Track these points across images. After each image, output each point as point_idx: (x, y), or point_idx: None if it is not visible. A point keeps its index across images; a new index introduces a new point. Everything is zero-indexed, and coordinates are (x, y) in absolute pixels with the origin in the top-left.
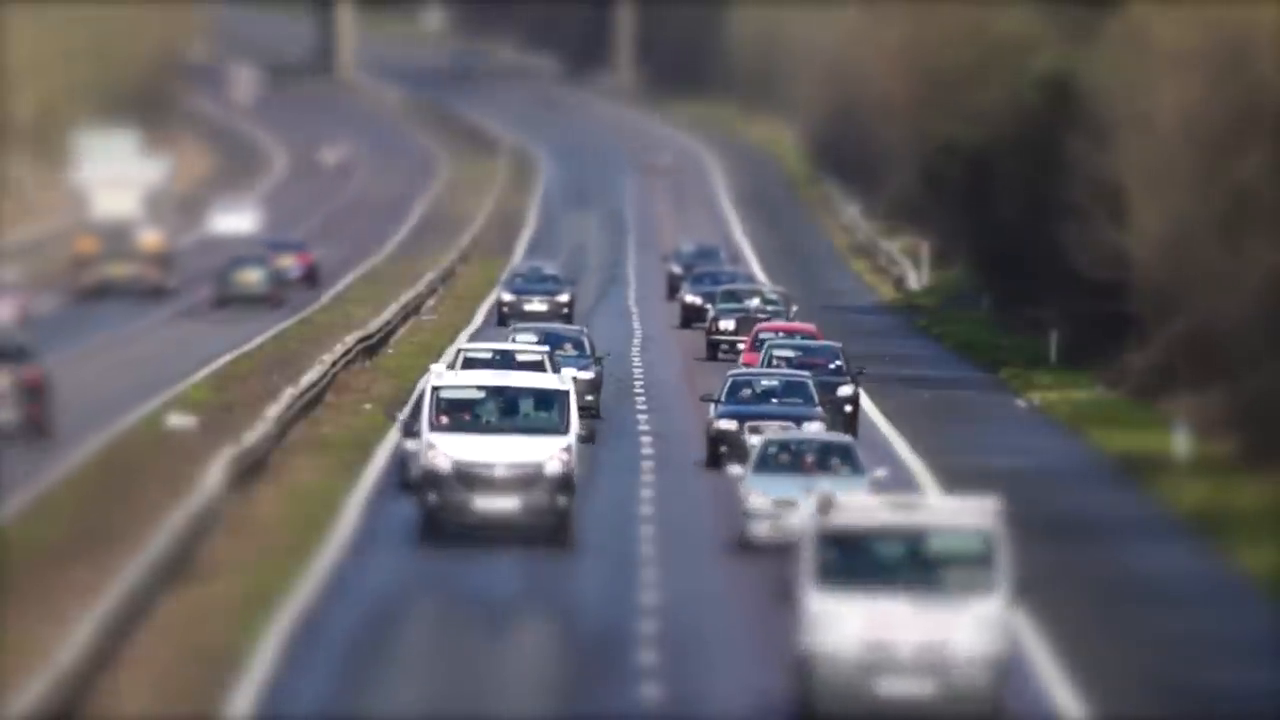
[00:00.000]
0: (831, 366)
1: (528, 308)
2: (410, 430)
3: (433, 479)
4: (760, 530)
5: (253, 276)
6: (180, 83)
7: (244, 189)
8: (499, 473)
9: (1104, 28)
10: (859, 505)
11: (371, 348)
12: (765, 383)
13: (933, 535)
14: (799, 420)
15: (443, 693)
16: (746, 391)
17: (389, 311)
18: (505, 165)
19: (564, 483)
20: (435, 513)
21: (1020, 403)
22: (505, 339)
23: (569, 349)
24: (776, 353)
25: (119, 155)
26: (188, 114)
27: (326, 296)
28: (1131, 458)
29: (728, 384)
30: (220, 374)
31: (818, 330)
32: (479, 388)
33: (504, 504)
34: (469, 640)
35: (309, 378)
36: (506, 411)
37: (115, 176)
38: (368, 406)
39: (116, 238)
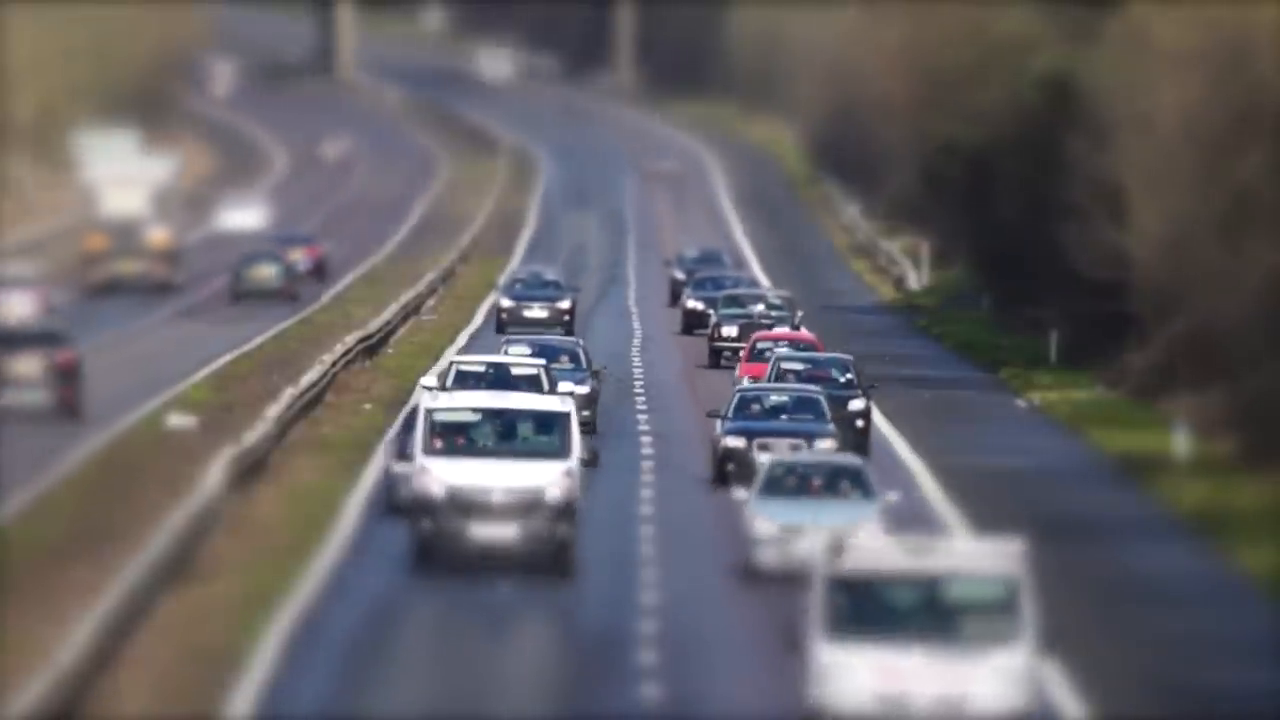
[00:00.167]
0: (843, 380)
1: (528, 315)
2: (403, 452)
3: (426, 505)
4: (767, 558)
5: (267, 272)
6: (179, 82)
7: (245, 187)
8: (496, 498)
9: (1104, 28)
10: (872, 548)
11: (371, 348)
12: (775, 398)
13: (951, 581)
14: (810, 437)
15: (442, 692)
16: (755, 407)
17: (389, 311)
18: (505, 165)
19: (565, 509)
20: (429, 541)
21: (1020, 403)
22: (498, 350)
23: (564, 361)
24: (785, 365)
25: (119, 155)
26: (186, 113)
27: (327, 296)
28: (1131, 458)
29: (735, 399)
30: (220, 374)
31: (818, 340)
32: (475, 410)
33: (501, 532)
34: (469, 640)
35: (309, 378)
36: (504, 434)
37: (124, 175)
38: (368, 406)
39: (125, 235)
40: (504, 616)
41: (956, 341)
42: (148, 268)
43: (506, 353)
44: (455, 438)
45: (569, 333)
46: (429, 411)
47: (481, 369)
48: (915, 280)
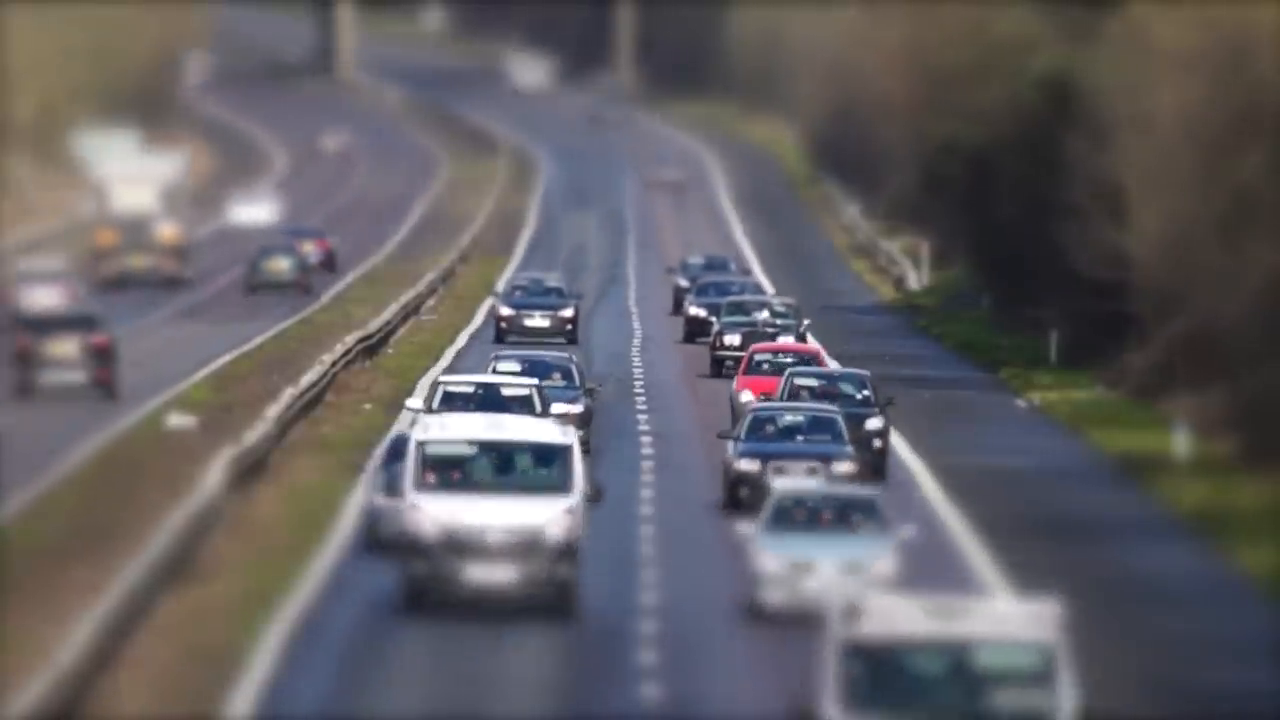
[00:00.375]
0: (859, 397)
1: (529, 324)
2: (391, 486)
3: (417, 545)
4: (774, 598)
5: (282, 264)
6: (172, 81)
7: (247, 186)
8: (492, 538)
9: (1104, 28)
10: (891, 611)
11: (371, 348)
12: (789, 418)
13: (980, 648)
14: (827, 459)
15: (442, 692)
16: (769, 428)
17: (389, 311)
18: (505, 165)
19: (566, 550)
20: (419, 584)
21: (1020, 403)
22: (486, 367)
23: (557, 379)
24: (799, 381)
25: (120, 155)
26: (185, 112)
27: (327, 296)
28: (1131, 458)
29: (748, 420)
30: (220, 374)
31: (820, 352)
32: (470, 442)
33: (498, 574)
34: (469, 640)
35: (309, 378)
36: (501, 468)
37: (133, 172)
38: (368, 406)
39: (135, 230)
40: (504, 616)
41: (956, 341)
42: (157, 262)
43: (495, 370)
44: (449, 472)
45: (571, 342)
46: (420, 444)
47: (470, 389)
48: (915, 280)
